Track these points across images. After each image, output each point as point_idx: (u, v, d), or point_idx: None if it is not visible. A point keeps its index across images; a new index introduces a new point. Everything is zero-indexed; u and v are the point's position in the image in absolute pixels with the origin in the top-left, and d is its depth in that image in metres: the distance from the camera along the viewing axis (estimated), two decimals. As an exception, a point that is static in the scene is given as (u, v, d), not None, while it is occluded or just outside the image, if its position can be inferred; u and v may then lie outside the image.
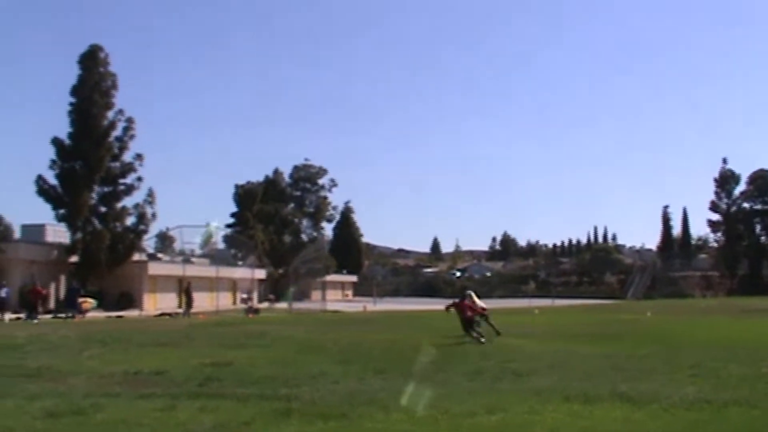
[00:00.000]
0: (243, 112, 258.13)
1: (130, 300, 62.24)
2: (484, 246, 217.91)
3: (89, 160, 61.19)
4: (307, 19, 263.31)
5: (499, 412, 10.98)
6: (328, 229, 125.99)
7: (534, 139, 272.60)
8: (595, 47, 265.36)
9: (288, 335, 27.47)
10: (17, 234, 65.84)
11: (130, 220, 64.40)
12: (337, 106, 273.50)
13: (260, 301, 78.35)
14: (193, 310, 51.69)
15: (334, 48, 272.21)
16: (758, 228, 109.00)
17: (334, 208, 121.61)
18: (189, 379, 15.22)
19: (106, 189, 63.37)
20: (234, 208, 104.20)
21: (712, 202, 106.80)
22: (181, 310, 53.71)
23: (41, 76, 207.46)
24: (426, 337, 25.30)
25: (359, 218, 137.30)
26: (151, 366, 17.21)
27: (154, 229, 71.31)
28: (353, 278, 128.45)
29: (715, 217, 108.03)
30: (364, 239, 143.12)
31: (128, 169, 63.80)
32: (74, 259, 61.39)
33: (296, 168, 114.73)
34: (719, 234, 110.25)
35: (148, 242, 73.00)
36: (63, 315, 47.42)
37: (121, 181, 63.82)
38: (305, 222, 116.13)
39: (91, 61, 62.45)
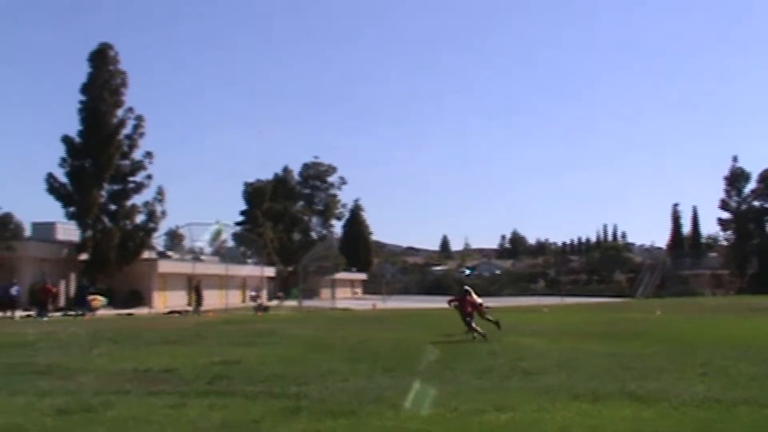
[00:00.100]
0: (253, 110, 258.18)
1: (139, 298, 62.38)
2: (493, 244, 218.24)
3: (99, 158, 61.33)
4: (318, 17, 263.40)
5: (508, 411, 10.97)
6: (337, 227, 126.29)
7: (543, 137, 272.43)
8: (607, 45, 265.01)
9: (297, 333, 27.50)
10: (28, 232, 66.03)
11: (139, 218, 64.56)
12: (347, 105, 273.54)
13: (269, 299, 78.46)
14: (202, 308, 51.80)
15: (344, 46, 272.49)
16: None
17: (344, 206, 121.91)
18: (198, 376, 15.25)
19: (115, 187, 63.50)
20: (244, 206, 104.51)
21: (722, 201, 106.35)
22: (190, 308, 53.82)
23: (52, 74, 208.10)
24: (434, 335, 25.30)
25: (369, 216, 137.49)
26: (161, 364, 17.25)
27: (164, 227, 71.44)
28: (362, 276, 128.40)
29: (725, 215, 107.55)
30: (374, 237, 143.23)
31: (138, 167, 63.93)
32: (84, 257, 61.56)
33: (306, 166, 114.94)
34: (729, 232, 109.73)
35: (158, 240, 73.19)
36: (73, 313, 47.58)
37: (131, 179, 63.96)
38: (314, 220, 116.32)
39: (101, 59, 62.61)
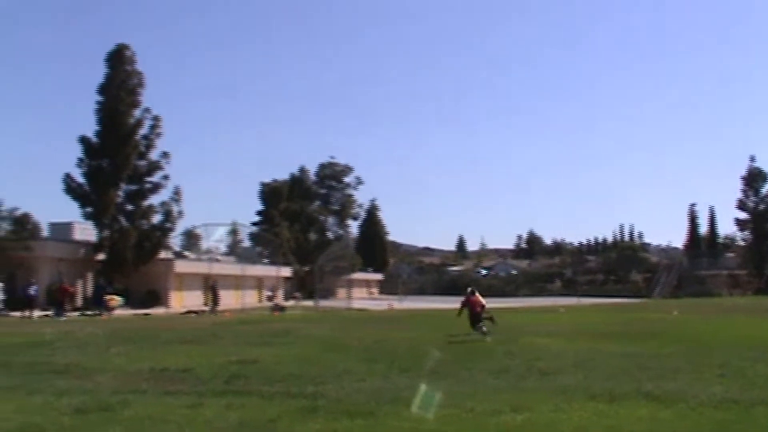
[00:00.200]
0: (269, 111, 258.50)
1: (156, 298, 62.52)
2: (509, 244, 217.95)
3: (116, 158, 61.51)
4: (335, 16, 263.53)
5: (524, 411, 10.97)
6: (353, 227, 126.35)
7: (560, 137, 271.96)
8: (624, 43, 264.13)
9: (313, 333, 27.52)
10: (45, 232, 66.29)
11: (156, 218, 64.70)
12: (364, 105, 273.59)
13: (286, 298, 78.56)
14: (218, 308, 51.89)
15: (359, 45, 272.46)
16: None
17: (360, 206, 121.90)
18: (215, 376, 15.29)
19: (132, 187, 63.65)
20: (260, 206, 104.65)
21: (740, 201, 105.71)
22: (207, 308, 53.93)
23: (69, 75, 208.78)
24: (450, 335, 25.29)
25: (385, 216, 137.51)
26: (178, 363, 17.30)
27: (181, 227, 71.59)
28: (379, 276, 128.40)
29: (743, 215, 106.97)
30: (390, 237, 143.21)
31: (155, 167, 64.06)
32: (101, 257, 61.75)
33: (322, 166, 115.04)
34: (747, 232, 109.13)
35: (174, 240, 73.37)
36: (90, 312, 47.76)
37: (148, 179, 64.08)
38: (331, 220, 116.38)
39: (118, 59, 62.79)
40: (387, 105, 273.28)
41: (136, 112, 63.28)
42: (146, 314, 47.62)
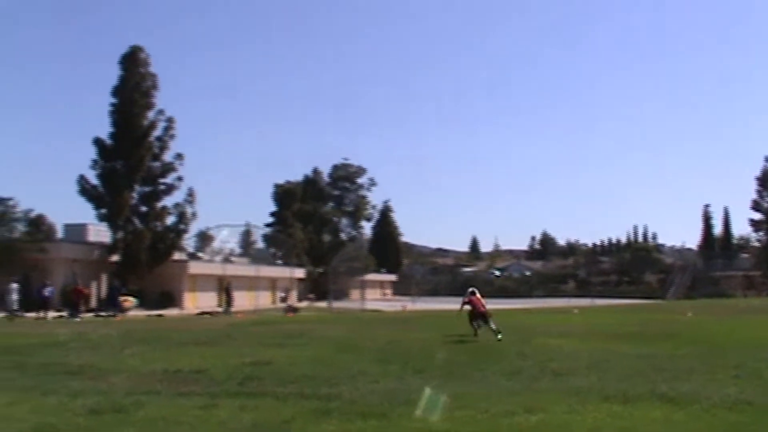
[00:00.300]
0: (282, 111, 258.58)
1: (170, 299, 62.72)
2: (523, 245, 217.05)
3: (130, 159, 61.79)
4: (351, 16, 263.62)
5: (538, 412, 10.93)
6: (367, 228, 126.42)
7: (574, 138, 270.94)
8: (632, 40, 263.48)
9: (327, 334, 27.48)
10: (60, 233, 66.53)
11: (170, 220, 64.95)
12: (377, 105, 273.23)
13: (299, 300, 78.68)
14: (232, 309, 52.00)
15: (373, 45, 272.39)
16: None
17: (373, 207, 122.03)
18: (229, 377, 15.29)
19: (146, 189, 63.95)
20: (274, 208, 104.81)
21: (754, 201, 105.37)
22: (220, 309, 54.03)
23: (84, 76, 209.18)
24: (464, 336, 25.24)
25: (398, 217, 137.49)
26: (192, 365, 17.31)
27: (194, 228, 71.80)
28: (392, 277, 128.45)
29: (757, 216, 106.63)
30: (403, 238, 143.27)
31: (168, 168, 64.31)
32: (115, 258, 62.00)
33: (335, 167, 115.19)
34: (761, 233, 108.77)
35: (188, 242, 73.56)
36: (104, 313, 47.85)
37: (162, 180, 64.36)
38: (344, 221, 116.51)
39: (132, 61, 63.07)
40: (400, 106, 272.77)
41: (150, 114, 63.59)
42: (160, 315, 47.70)
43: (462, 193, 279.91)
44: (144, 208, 63.97)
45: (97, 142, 62.49)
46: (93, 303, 55.48)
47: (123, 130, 62.10)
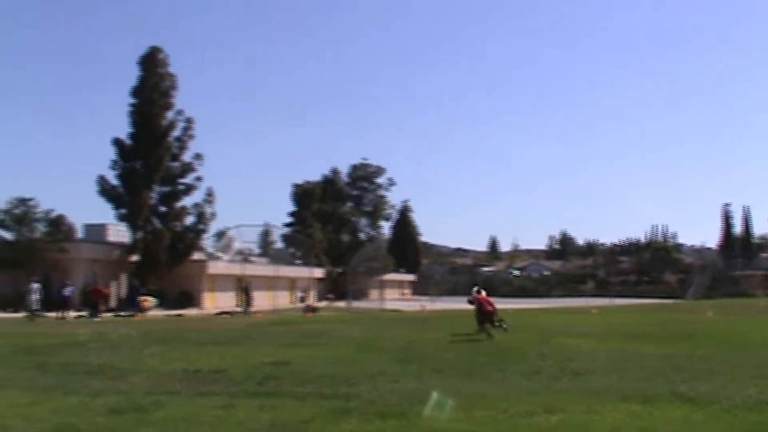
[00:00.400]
0: (301, 111, 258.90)
1: (189, 299, 62.89)
2: (542, 245, 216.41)
3: (149, 160, 62.01)
4: (366, 16, 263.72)
5: (557, 412, 10.91)
6: (386, 228, 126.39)
7: (593, 137, 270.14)
8: (647, 38, 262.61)
9: (346, 334, 27.49)
10: (80, 234, 66.80)
11: (189, 220, 65.14)
12: (395, 105, 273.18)
13: (318, 300, 78.75)
14: (251, 309, 52.09)
15: (392, 45, 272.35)
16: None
17: (392, 207, 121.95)
18: (248, 377, 15.32)
19: (166, 189, 64.13)
20: (292, 208, 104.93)
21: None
22: (239, 309, 54.12)
23: (103, 77, 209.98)
24: (483, 336, 25.21)
25: (417, 217, 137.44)
26: (211, 364, 17.36)
27: (213, 228, 71.98)
28: (411, 277, 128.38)
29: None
30: (422, 238, 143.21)
31: (188, 168, 64.48)
32: (135, 258, 62.20)
33: (354, 167, 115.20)
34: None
35: (207, 242, 73.77)
36: (124, 313, 48.02)
37: (181, 180, 64.52)
38: (363, 221, 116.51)
39: (151, 62, 63.27)
40: (420, 105, 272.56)
41: (169, 114, 63.78)
42: (179, 315, 47.83)
43: (481, 192, 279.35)
44: (163, 208, 64.17)
45: (117, 142, 62.74)
46: (113, 303, 55.67)
47: (142, 131, 62.33)
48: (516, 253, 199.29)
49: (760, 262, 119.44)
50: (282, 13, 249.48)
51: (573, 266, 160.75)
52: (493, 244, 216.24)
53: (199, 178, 64.81)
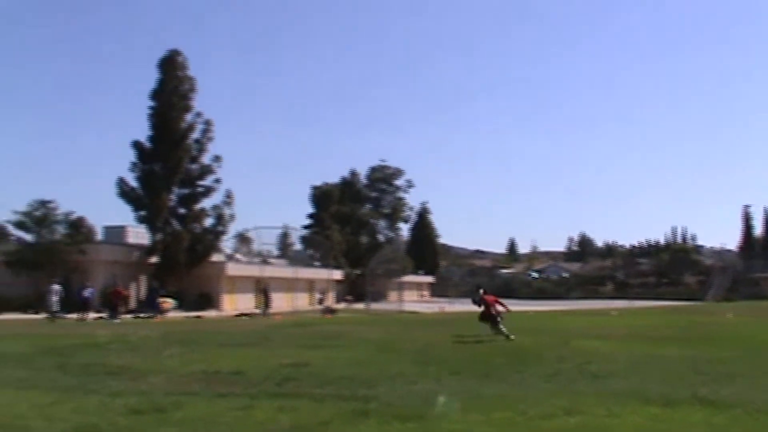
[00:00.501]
0: (320, 113, 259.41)
1: (208, 300, 62.98)
2: (560, 246, 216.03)
3: (169, 162, 62.15)
4: (380, 19, 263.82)
5: (577, 415, 10.91)
6: (404, 230, 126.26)
7: (612, 138, 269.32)
8: (676, 40, 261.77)
9: (365, 336, 27.52)
10: (100, 236, 67.05)
11: (208, 222, 65.25)
12: (414, 106, 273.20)
13: (337, 301, 78.76)
14: (270, 311, 52.15)
15: (410, 46, 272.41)
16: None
17: (411, 208, 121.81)
18: (267, 379, 15.35)
19: (185, 191, 64.26)
20: (311, 209, 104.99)
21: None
22: (258, 311, 54.19)
23: (123, 81, 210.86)
24: (502, 338, 25.19)
25: (436, 219, 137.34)
26: (230, 366, 17.41)
27: (232, 230, 72.07)
28: (430, 279, 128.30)
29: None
30: (441, 240, 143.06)
31: (207, 170, 64.60)
32: (154, 260, 62.37)
33: (373, 169, 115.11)
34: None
35: (226, 243, 73.87)
36: (143, 315, 48.18)
37: (200, 182, 64.64)
38: (382, 223, 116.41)
39: (170, 65, 63.41)
40: (439, 107, 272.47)
41: (188, 117, 63.91)
42: (198, 317, 47.93)
43: (500, 194, 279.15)
44: (182, 210, 64.31)
45: (136, 144, 62.93)
46: (132, 304, 55.84)
47: (161, 133, 62.50)
48: (535, 255, 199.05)
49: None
50: (300, 16, 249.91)
51: (592, 268, 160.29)
52: (512, 246, 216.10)
53: (218, 180, 64.98)
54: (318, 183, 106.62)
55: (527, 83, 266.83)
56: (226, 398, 12.66)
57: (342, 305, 72.71)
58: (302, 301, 75.79)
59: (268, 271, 71.77)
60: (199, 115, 64.32)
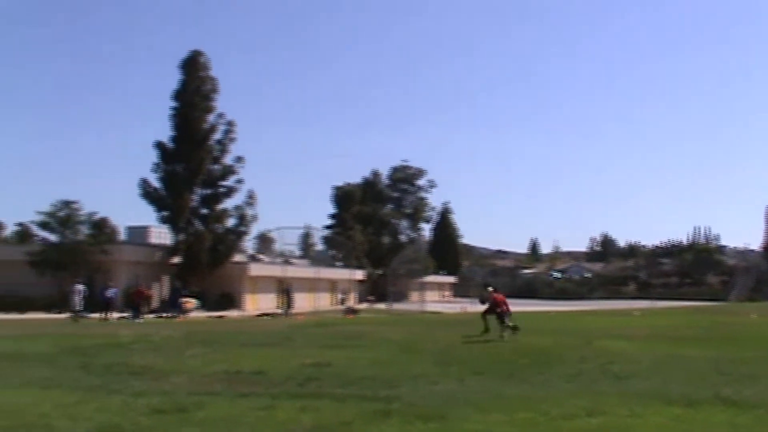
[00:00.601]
0: (342, 113, 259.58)
1: (230, 300, 63.11)
2: (583, 246, 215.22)
3: (191, 162, 62.31)
4: (403, 21, 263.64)
5: (599, 415, 10.88)
6: (426, 230, 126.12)
7: (635, 140, 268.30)
8: (697, 41, 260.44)
9: (387, 336, 27.53)
10: (122, 236, 67.33)
11: (230, 222, 65.40)
12: (436, 107, 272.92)
13: (359, 301, 78.78)
14: (292, 311, 52.24)
15: (434, 47, 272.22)
16: None
17: (433, 208, 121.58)
18: (289, 379, 15.38)
19: (207, 191, 64.41)
20: (333, 210, 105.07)
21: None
22: (280, 311, 54.28)
23: (147, 80, 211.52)
24: (523, 338, 25.16)
25: (458, 219, 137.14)
26: (252, 366, 17.44)
27: (254, 230, 72.27)
28: (452, 279, 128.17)
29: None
30: (463, 240, 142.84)
31: (229, 171, 64.73)
32: (177, 260, 62.57)
33: (394, 169, 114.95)
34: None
35: (249, 243, 74.02)
36: (166, 315, 48.37)
37: (222, 183, 64.79)
38: (403, 223, 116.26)
39: (192, 66, 63.59)
40: (459, 107, 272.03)
41: (210, 118, 64.06)
42: (221, 317, 48.07)
43: (522, 194, 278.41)
44: (205, 211, 64.46)
45: (159, 145, 63.15)
46: (155, 304, 56.03)
47: (184, 134, 62.69)
48: (557, 255, 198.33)
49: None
50: (319, 16, 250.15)
51: (614, 268, 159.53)
52: (534, 246, 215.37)
53: (240, 181, 65.10)
54: (340, 183, 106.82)
55: (549, 85, 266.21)
56: (248, 398, 12.69)
57: (364, 305, 72.69)
58: (324, 302, 75.84)
59: (290, 272, 71.90)
60: (221, 115, 64.49)
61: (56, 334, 28.77)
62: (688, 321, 38.16)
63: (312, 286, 74.86)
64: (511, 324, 25.74)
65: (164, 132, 63.73)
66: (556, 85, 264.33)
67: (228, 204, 65.37)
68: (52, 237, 57.35)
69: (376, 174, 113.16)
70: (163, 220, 63.39)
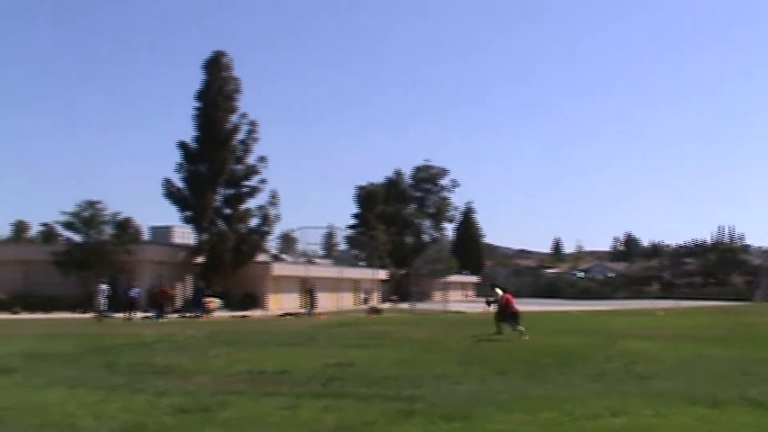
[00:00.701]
0: (365, 113, 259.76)
1: (254, 300, 63.22)
2: (606, 246, 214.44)
3: (214, 162, 62.47)
4: (423, 20, 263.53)
5: (623, 415, 10.83)
6: (449, 230, 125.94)
7: (658, 138, 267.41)
8: (720, 42, 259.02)
9: (410, 336, 27.55)
10: (146, 236, 67.60)
11: (254, 222, 65.50)
12: (460, 107, 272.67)
13: (382, 301, 78.76)
14: (315, 310, 52.29)
15: (454, 46, 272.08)
16: None
17: (456, 208, 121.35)
18: (312, 378, 15.38)
19: (230, 191, 64.55)
20: (356, 210, 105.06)
21: None
22: (304, 311, 54.34)
23: (170, 81, 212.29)
24: (546, 338, 25.11)
25: (481, 219, 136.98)
26: (275, 365, 17.45)
27: (278, 230, 72.27)
28: (475, 279, 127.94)
29: None
30: (486, 240, 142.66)
31: (252, 171, 64.83)
32: (200, 260, 62.74)
33: (417, 169, 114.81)
34: None
35: (272, 243, 74.10)
36: (189, 315, 48.53)
37: (245, 183, 64.89)
38: (426, 223, 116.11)
39: (215, 66, 63.76)
40: (483, 107, 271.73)
41: (233, 118, 64.19)
42: (244, 316, 48.18)
43: (545, 194, 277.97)
44: (228, 211, 64.63)
45: (182, 145, 63.33)
46: (178, 304, 56.19)
47: (207, 134, 62.87)
48: (580, 255, 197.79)
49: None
50: (341, 18, 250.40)
51: (638, 268, 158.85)
52: (557, 246, 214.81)
53: (263, 181, 65.20)
54: (363, 183, 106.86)
55: (571, 86, 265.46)
56: (272, 398, 12.70)
57: (387, 305, 72.68)
58: (347, 301, 75.84)
59: (314, 271, 71.92)
60: (244, 115, 64.61)
61: (81, 333, 28.95)
62: (712, 321, 38.01)
63: (335, 285, 74.85)
64: (522, 329, 25.75)
65: (188, 132, 64.00)
66: (581, 86, 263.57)
67: (251, 204, 65.61)
68: (77, 237, 57.68)
69: (399, 174, 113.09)
70: (187, 220, 63.60)
